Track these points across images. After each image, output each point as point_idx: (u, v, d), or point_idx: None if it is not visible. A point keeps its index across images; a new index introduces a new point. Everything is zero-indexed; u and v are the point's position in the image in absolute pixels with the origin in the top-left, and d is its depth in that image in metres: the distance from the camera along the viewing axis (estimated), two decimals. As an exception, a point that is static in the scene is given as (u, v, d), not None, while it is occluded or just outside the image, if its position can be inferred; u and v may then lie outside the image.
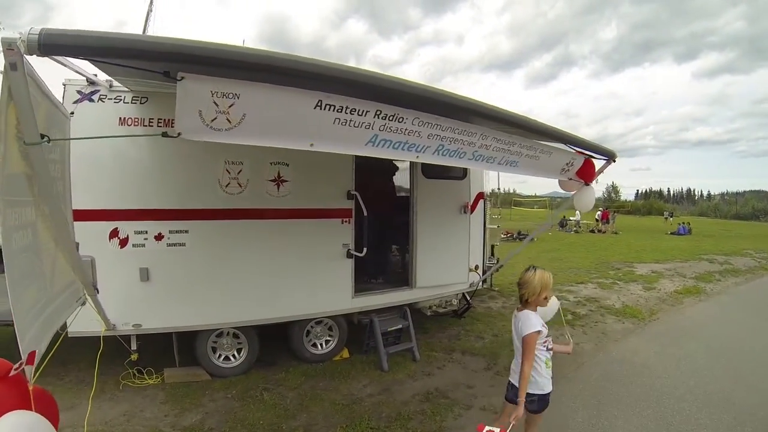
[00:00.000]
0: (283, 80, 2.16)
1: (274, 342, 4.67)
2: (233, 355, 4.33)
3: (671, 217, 36.47)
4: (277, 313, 4.28)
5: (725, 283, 9.90)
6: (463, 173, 5.28)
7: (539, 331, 2.54)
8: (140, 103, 3.69)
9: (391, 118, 2.42)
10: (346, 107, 2.26)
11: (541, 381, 2.65)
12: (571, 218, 26.93)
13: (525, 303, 2.63)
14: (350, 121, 2.31)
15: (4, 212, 1.64)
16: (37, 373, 1.91)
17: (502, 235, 18.83)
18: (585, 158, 4.03)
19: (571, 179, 4.25)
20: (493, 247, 7.38)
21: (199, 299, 3.98)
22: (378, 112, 2.37)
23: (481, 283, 5.87)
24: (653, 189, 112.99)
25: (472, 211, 5.48)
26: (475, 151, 2.94)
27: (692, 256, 14.16)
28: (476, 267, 5.63)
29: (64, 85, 3.63)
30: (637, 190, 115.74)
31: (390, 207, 5.31)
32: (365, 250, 4.35)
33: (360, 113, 2.32)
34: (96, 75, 3.56)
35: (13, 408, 1.58)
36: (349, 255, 4.50)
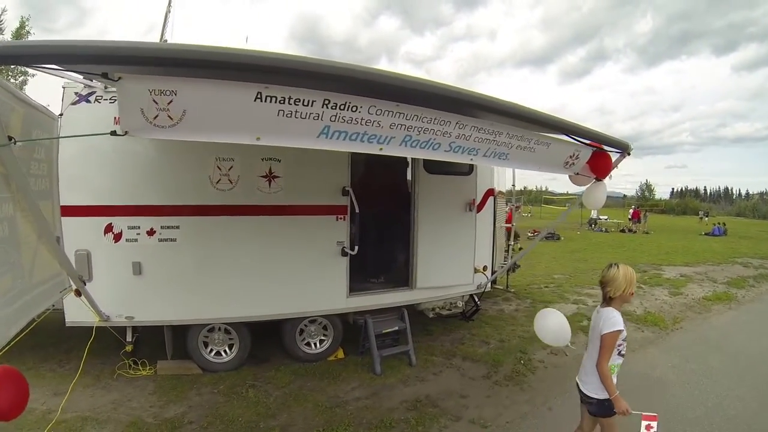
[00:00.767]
0: (218, 74, 2.12)
1: (269, 339, 4.66)
2: (225, 351, 4.35)
3: (706, 217, 35.47)
4: (269, 310, 4.24)
5: (759, 290, 9.04)
6: (470, 168, 5.01)
7: (620, 331, 2.45)
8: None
9: (342, 108, 2.26)
10: (289, 98, 2.15)
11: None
12: (601, 217, 26.61)
13: (609, 300, 2.56)
14: (296, 112, 2.19)
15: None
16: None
17: (529, 234, 18.38)
18: (594, 151, 3.68)
19: (579, 174, 3.91)
20: (509, 247, 7.05)
21: (190, 294, 4.01)
22: (326, 102, 2.22)
23: (490, 285, 5.60)
24: (689, 187, 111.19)
25: (480, 209, 5.21)
26: (452, 142, 2.69)
27: (726, 258, 13.28)
28: (484, 268, 5.36)
29: (63, 87, 3.75)
30: (672, 189, 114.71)
31: (396, 203, 5.12)
32: (356, 248, 4.22)
33: (306, 103, 2.18)
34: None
35: None
36: (343, 253, 4.38)
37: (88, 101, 3.75)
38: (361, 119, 2.35)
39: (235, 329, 4.30)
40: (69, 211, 3.75)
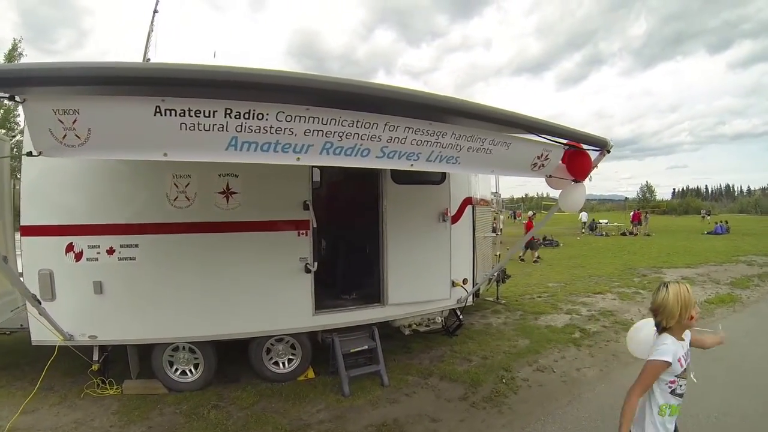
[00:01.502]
0: (114, 90, 2.09)
1: (241, 358, 4.57)
2: (190, 370, 4.29)
3: (708, 215, 35.37)
4: (231, 329, 4.17)
5: (765, 289, 8.45)
6: (441, 177, 4.80)
7: (668, 364, 1.99)
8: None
9: (247, 116, 2.16)
10: (189, 110, 2.09)
11: (647, 426, 2.07)
12: (602, 221, 26.79)
13: (664, 330, 2.07)
14: (199, 124, 2.13)
15: None
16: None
17: None
18: (568, 150, 3.43)
19: (553, 176, 3.65)
20: (499, 257, 6.73)
21: (152, 312, 4.00)
22: (228, 111, 2.13)
23: (472, 298, 5.32)
24: (690, 187, 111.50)
25: (456, 220, 4.98)
26: (384, 147, 2.53)
27: (729, 258, 12.70)
28: (464, 281, 5.10)
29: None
30: (674, 189, 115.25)
31: (367, 216, 4.98)
32: (316, 264, 4.09)
33: (207, 114, 2.11)
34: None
35: None
36: (307, 269, 4.27)
37: None
38: (270, 127, 2.23)
39: (200, 348, 4.24)
40: (31, 231, 3.84)
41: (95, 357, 4.09)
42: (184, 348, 4.24)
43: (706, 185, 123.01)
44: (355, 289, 5.00)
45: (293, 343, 4.51)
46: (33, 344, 3.92)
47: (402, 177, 4.57)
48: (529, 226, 13.69)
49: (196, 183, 3.98)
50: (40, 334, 3.87)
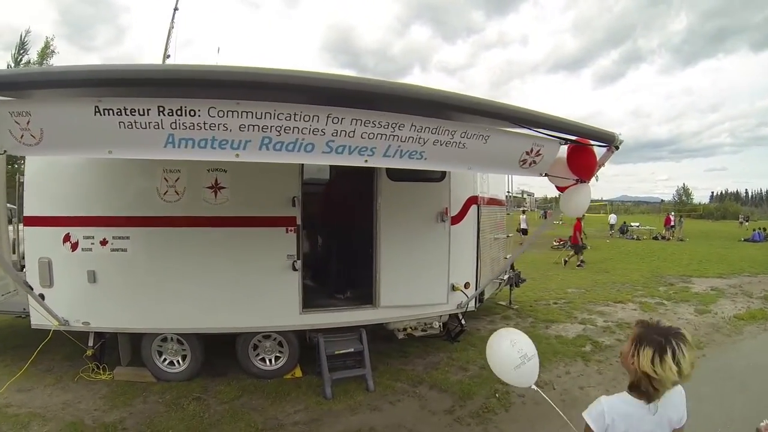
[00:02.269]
0: (59, 92, 2.16)
1: (230, 352, 4.58)
2: (177, 361, 4.35)
3: (746, 221, 33.49)
4: (218, 323, 4.17)
5: None
6: (441, 174, 4.52)
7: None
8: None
9: (180, 113, 2.12)
10: (125, 108, 2.09)
11: None
12: (633, 224, 25.64)
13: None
14: (135, 122, 2.12)
15: None
16: None
17: (554, 243, 17.31)
18: (569, 146, 3.09)
19: (551, 175, 3.31)
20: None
21: (141, 303, 4.07)
22: (161, 108, 2.10)
23: (474, 303, 5.02)
24: (729, 190, 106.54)
25: (458, 220, 4.70)
26: (330, 141, 2.34)
27: (765, 268, 11.71)
28: (466, 285, 4.82)
29: None
30: (712, 192, 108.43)
31: (363, 215, 4.80)
32: (299, 263, 3.99)
33: (142, 112, 2.10)
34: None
35: None
36: (295, 267, 4.18)
37: None
38: (204, 123, 2.17)
39: (187, 340, 4.29)
40: (33, 221, 4.01)
41: (90, 343, 4.23)
42: (172, 339, 4.30)
43: (746, 189, 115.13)
44: (350, 288, 4.86)
45: (281, 341, 4.45)
46: (32, 328, 4.11)
47: (398, 174, 4.35)
48: (577, 227, 13.01)
49: (186, 178, 3.98)
50: (39, 318, 4.05)
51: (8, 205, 4.66)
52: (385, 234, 4.42)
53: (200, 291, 4.08)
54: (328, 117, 2.27)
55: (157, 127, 2.13)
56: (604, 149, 3.14)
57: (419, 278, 4.55)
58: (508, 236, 6.16)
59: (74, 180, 3.97)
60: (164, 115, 2.10)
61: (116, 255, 4.01)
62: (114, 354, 4.50)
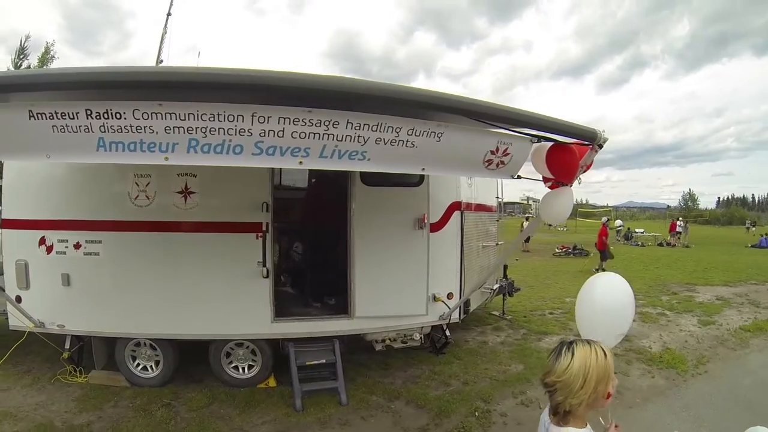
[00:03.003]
0: None
1: (206, 359, 4.52)
2: (151, 367, 4.31)
3: (753, 227, 32.90)
4: (189, 329, 4.11)
5: None
6: (419, 179, 4.31)
7: None
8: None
9: (107, 116, 2.07)
10: (56, 112, 2.06)
11: None
12: (638, 230, 25.34)
13: (565, 414, 1.39)
14: (67, 126, 2.09)
15: None
16: None
17: (557, 250, 16.77)
18: (546, 144, 2.86)
19: (523, 177, 3.08)
20: (505, 267, 6.03)
21: (114, 307, 4.06)
22: (88, 112, 2.06)
23: (459, 315, 4.78)
24: (736, 195, 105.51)
25: (439, 227, 4.48)
26: (259, 142, 2.21)
27: None
28: (449, 296, 4.59)
29: None
30: (719, 198, 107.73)
31: (341, 221, 4.64)
32: (266, 270, 3.88)
33: (71, 116, 2.07)
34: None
35: None
36: (266, 274, 4.07)
37: None
38: (131, 126, 2.11)
39: (160, 346, 4.25)
40: (10, 224, 4.08)
41: (67, 345, 4.26)
42: (145, 344, 4.27)
43: (753, 194, 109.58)
44: (327, 297, 4.72)
45: (254, 349, 4.35)
46: (11, 329, 4.17)
47: (373, 178, 4.17)
48: (603, 233, 12.52)
49: (156, 182, 3.95)
50: (16, 320, 4.11)
51: None
52: (360, 242, 4.25)
53: (171, 296, 4.04)
54: (253, 116, 2.14)
55: (87, 130, 2.10)
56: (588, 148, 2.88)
57: (396, 288, 4.35)
58: (497, 244, 5.85)
59: (50, 183, 4.01)
60: (92, 118, 2.07)
61: (89, 259, 4.02)
62: (92, 357, 4.52)
